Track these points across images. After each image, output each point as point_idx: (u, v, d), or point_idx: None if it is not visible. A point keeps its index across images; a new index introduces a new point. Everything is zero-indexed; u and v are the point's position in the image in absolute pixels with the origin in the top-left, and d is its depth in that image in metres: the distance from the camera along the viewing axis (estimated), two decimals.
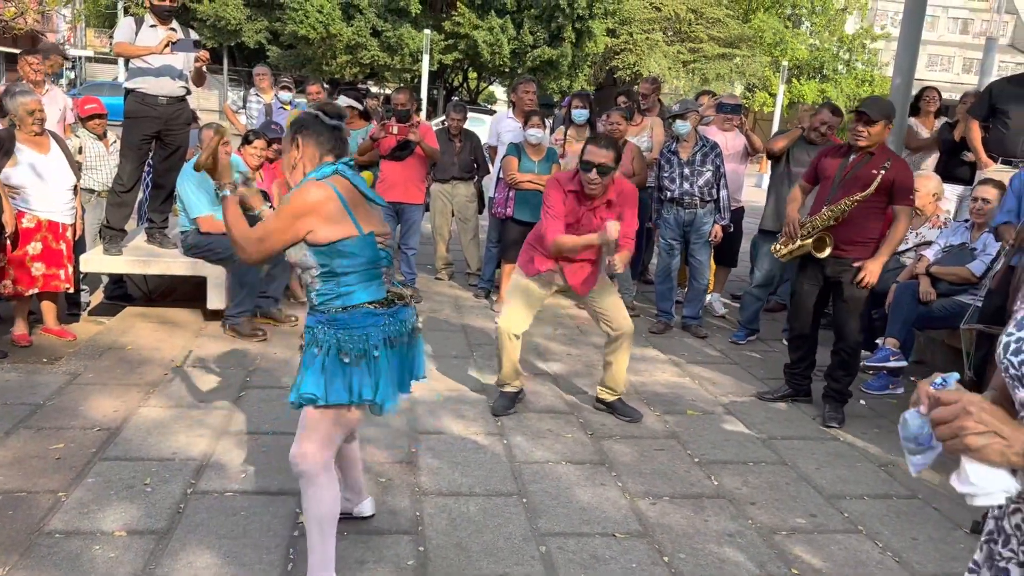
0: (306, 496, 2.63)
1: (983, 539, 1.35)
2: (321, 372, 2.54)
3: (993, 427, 1.17)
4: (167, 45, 5.12)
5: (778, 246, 4.74)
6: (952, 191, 6.19)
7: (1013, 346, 1.29)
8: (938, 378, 1.28)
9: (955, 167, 6.29)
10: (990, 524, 1.34)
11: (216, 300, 5.52)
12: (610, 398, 4.48)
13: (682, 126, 5.99)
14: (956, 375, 1.28)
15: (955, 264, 5.06)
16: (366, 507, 3.15)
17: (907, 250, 5.59)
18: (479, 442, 4.01)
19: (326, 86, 9.19)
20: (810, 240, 4.48)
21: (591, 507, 3.42)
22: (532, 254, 4.34)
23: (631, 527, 3.28)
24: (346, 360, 2.52)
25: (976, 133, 5.77)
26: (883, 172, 4.29)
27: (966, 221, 5.35)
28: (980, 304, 4.73)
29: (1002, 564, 1.30)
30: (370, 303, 2.56)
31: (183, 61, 5.40)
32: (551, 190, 4.23)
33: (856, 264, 4.41)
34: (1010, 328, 1.32)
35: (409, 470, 3.64)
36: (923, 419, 1.27)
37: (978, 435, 1.17)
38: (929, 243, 5.43)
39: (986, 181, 5.20)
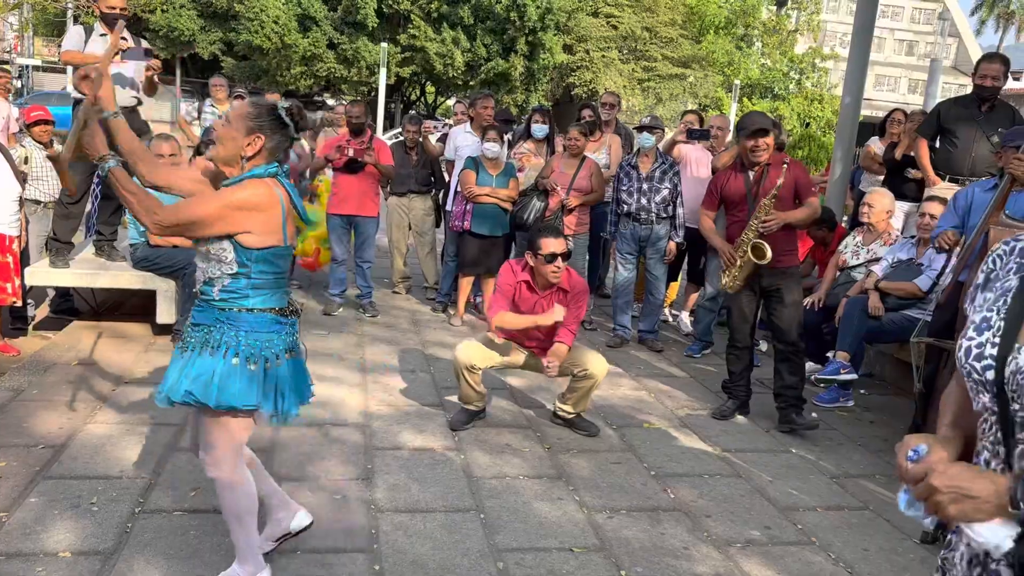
0: (223, 498, 2.62)
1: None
2: (214, 375, 2.48)
3: (960, 491, 1.20)
4: (117, 53, 5.02)
5: (724, 280, 4.76)
6: (899, 208, 6.33)
7: (975, 351, 1.30)
8: (910, 452, 1.32)
9: (901, 184, 6.44)
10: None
11: (166, 314, 5.40)
12: (568, 416, 4.48)
13: (647, 139, 6.05)
14: (925, 447, 1.31)
15: (903, 279, 5.17)
16: (302, 519, 2.98)
17: (858, 266, 5.71)
18: (437, 457, 3.97)
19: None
20: (748, 252, 4.56)
21: (548, 522, 3.41)
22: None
23: (588, 541, 3.28)
24: (248, 366, 2.49)
25: (925, 152, 5.91)
26: (785, 167, 4.55)
27: (912, 237, 5.48)
28: (928, 318, 4.83)
29: (993, 567, 1.29)
30: (275, 310, 2.56)
31: (133, 70, 5.30)
32: (506, 271, 4.43)
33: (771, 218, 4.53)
34: (970, 332, 1.33)
35: (365, 486, 3.59)
36: (910, 496, 1.32)
37: (952, 504, 1.20)
38: (879, 259, 5.55)
39: (933, 198, 5.34)
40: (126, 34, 5.31)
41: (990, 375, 1.27)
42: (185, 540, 3.03)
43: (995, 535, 1.19)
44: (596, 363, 4.35)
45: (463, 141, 6.89)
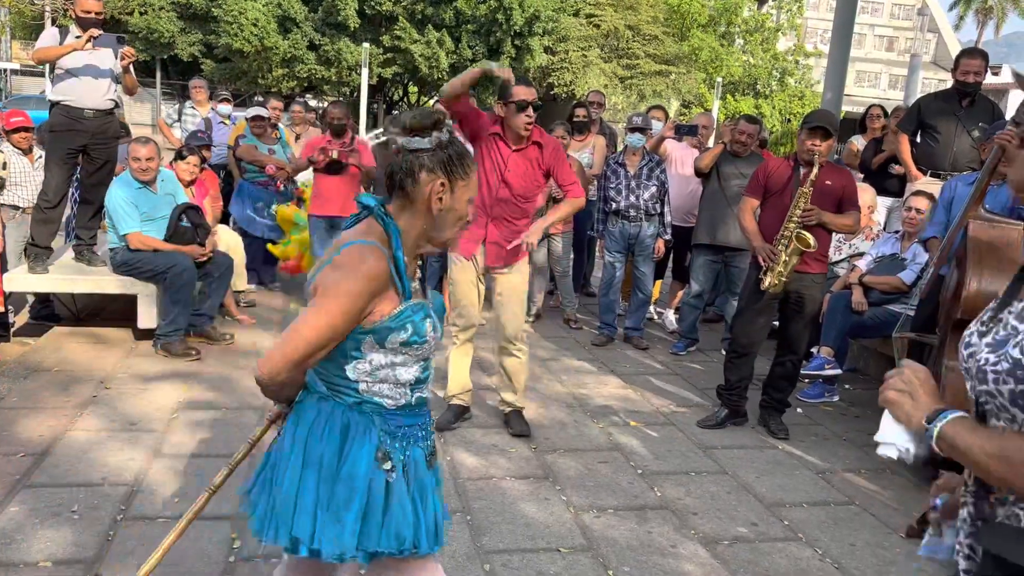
0: None
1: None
2: None
3: (911, 389, 1.27)
4: (88, 40, 4.97)
5: (768, 280, 4.40)
6: (882, 203, 6.36)
7: (966, 339, 1.32)
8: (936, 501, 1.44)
9: (883, 180, 6.47)
10: (948, 541, 1.37)
11: (147, 318, 5.35)
12: (506, 409, 4.38)
13: (638, 140, 6.06)
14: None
15: (886, 274, 5.20)
16: None
17: (840, 261, 5.73)
18: None
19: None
20: (793, 241, 4.32)
21: (535, 522, 3.40)
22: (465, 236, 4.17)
23: (575, 541, 3.27)
24: None
25: (906, 147, 5.94)
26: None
27: (896, 232, 5.51)
28: (911, 313, 4.86)
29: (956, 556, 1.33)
30: None
31: (110, 61, 5.24)
32: (486, 119, 4.15)
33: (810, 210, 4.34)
34: (973, 324, 1.35)
35: None
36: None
37: (897, 391, 1.29)
38: (862, 254, 5.57)
39: (918, 192, 5.37)
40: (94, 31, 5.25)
41: (971, 362, 1.28)
42: None
43: (893, 436, 1.29)
44: (510, 327, 4.19)
45: None
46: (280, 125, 7.54)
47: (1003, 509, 1.23)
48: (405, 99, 36.54)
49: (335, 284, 1.73)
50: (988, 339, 1.24)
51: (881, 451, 1.32)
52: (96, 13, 5.16)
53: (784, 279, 4.38)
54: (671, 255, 6.85)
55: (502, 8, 26.70)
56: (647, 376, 5.59)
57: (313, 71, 28.29)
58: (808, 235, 4.31)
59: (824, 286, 4.76)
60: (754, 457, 4.30)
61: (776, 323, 4.91)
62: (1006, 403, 1.19)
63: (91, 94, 5.19)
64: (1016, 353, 1.17)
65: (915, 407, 1.26)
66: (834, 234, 5.75)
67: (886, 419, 1.31)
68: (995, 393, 1.20)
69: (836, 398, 5.31)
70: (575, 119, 6.79)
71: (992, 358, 1.21)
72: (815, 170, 4.34)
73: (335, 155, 6.20)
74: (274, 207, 6.87)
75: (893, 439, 1.29)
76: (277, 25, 27.55)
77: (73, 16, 5.21)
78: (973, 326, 1.33)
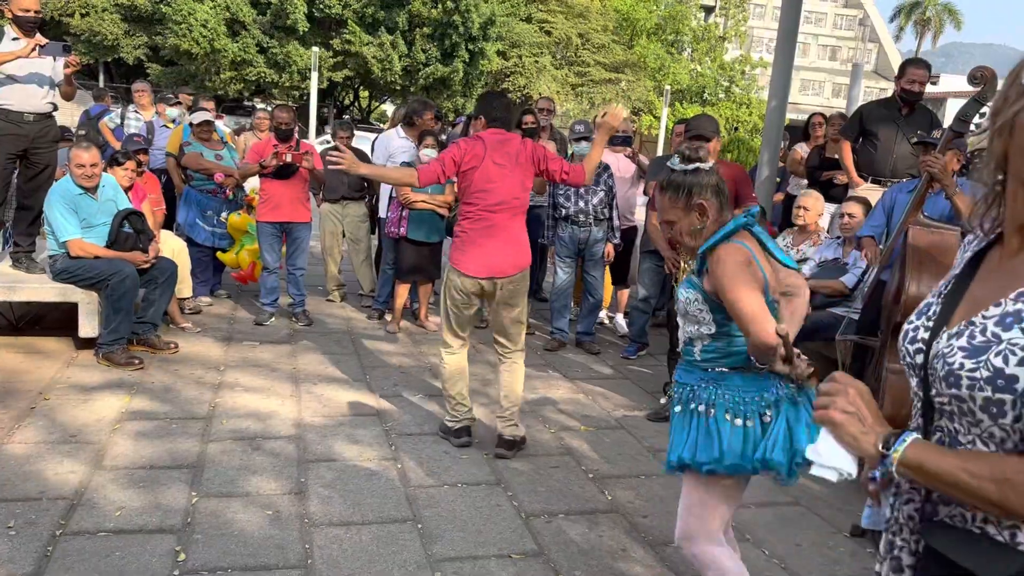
0: None
1: (886, 528, 1.37)
2: (702, 434, 2.40)
3: (860, 412, 1.25)
4: (34, 48, 4.84)
5: (676, 275, 4.77)
6: (826, 209, 6.49)
7: (910, 334, 1.32)
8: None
9: (829, 187, 6.60)
10: (888, 513, 1.36)
11: (88, 327, 5.22)
12: (521, 432, 4.27)
13: (584, 147, 6.10)
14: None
15: (829, 278, 5.31)
16: None
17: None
18: (372, 468, 3.91)
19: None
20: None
21: (487, 528, 3.39)
22: (482, 258, 4.14)
23: (526, 547, 3.26)
24: (738, 422, 2.36)
25: (848, 153, 6.07)
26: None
27: (838, 238, 5.62)
28: (855, 316, 4.96)
29: (896, 553, 1.32)
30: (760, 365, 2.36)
31: (51, 68, 5.11)
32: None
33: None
34: (912, 316, 1.35)
35: (298, 500, 3.52)
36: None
37: (843, 412, 1.25)
38: (806, 260, 5.68)
39: (851, 198, 5.50)
40: (41, 38, 5.13)
41: (919, 358, 1.27)
42: (110, 562, 2.92)
43: (835, 459, 1.27)
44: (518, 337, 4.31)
45: (397, 147, 6.82)
46: (220, 127, 7.41)
47: (946, 508, 1.23)
48: (356, 103, 36.34)
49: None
50: (962, 342, 1.19)
51: (818, 472, 1.28)
52: (35, 12, 5.03)
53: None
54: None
55: (458, 11, 26.70)
56: (598, 380, 5.62)
57: (262, 74, 27.97)
58: None
59: None
60: None
61: None
62: (975, 408, 1.16)
63: (30, 98, 5.06)
64: (999, 362, 1.13)
65: (864, 431, 1.23)
66: (781, 239, 5.89)
67: (825, 440, 1.26)
68: (966, 398, 1.17)
69: None
70: (524, 126, 6.80)
71: (969, 364, 1.16)
72: None
73: (289, 158, 6.11)
74: (224, 215, 6.75)
75: (835, 463, 1.27)
76: (226, 27, 27.19)
77: (10, 16, 5.06)
78: (917, 320, 1.32)
